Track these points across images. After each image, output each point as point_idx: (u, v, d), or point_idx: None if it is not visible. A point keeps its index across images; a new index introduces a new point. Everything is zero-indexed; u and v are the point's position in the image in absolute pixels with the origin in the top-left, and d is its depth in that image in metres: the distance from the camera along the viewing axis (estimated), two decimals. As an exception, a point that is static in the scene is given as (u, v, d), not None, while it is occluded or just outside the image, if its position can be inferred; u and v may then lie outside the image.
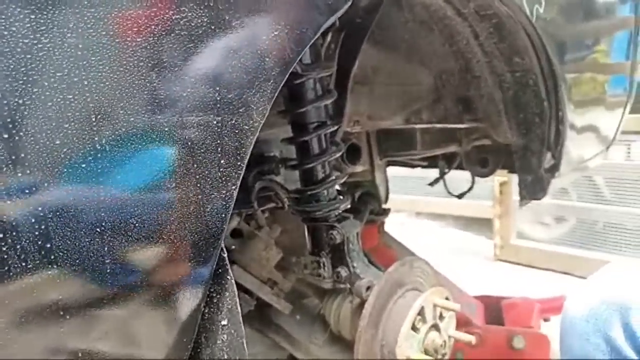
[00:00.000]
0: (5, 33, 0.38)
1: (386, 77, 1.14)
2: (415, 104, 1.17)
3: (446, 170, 1.53)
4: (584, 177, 2.87)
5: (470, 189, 1.59)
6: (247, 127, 0.51)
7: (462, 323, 1.26)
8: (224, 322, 0.53)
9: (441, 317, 0.87)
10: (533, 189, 1.15)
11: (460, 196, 1.60)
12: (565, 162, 1.15)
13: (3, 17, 0.37)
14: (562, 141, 1.09)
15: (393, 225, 1.68)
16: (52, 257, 0.41)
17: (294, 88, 0.83)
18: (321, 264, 0.92)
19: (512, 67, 1.02)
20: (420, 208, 4.10)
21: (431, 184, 1.62)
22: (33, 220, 0.40)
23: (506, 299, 1.54)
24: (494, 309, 1.51)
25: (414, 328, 0.83)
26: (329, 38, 0.85)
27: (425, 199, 3.97)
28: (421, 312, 0.84)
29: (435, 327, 0.87)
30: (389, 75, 1.14)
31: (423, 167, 1.63)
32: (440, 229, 3.96)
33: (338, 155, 0.93)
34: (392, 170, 1.55)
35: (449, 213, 3.92)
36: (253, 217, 0.95)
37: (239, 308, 0.54)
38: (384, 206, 1.45)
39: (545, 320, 1.52)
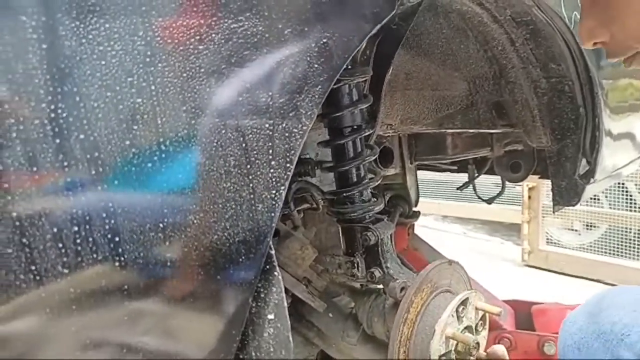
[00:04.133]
0: (83, 40, 0.41)
1: (420, 82, 1.15)
2: (449, 108, 1.18)
3: (476, 175, 1.53)
4: (616, 184, 2.82)
5: (500, 194, 1.58)
6: (296, 131, 0.54)
7: (493, 327, 1.26)
8: (271, 316, 0.56)
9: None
10: (567, 195, 1.15)
11: (489, 201, 1.60)
12: (599, 169, 1.15)
13: (82, 25, 0.40)
14: (597, 147, 1.09)
15: (419, 228, 1.69)
16: (120, 250, 0.44)
17: (331, 93, 0.84)
18: (355, 265, 0.93)
19: (548, 73, 1.02)
20: (446, 212, 4.08)
21: (460, 188, 1.62)
22: (104, 215, 0.43)
23: (536, 305, 1.53)
24: (524, 314, 1.50)
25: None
26: (364, 44, 0.87)
27: (452, 203, 3.95)
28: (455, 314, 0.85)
29: (469, 328, 0.88)
30: (423, 80, 1.15)
31: (453, 171, 1.63)
32: (466, 233, 3.93)
33: (372, 158, 0.95)
34: (419, 174, 1.56)
35: (476, 217, 3.89)
36: (289, 217, 0.97)
37: (285, 303, 0.56)
38: (414, 209, 1.46)
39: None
